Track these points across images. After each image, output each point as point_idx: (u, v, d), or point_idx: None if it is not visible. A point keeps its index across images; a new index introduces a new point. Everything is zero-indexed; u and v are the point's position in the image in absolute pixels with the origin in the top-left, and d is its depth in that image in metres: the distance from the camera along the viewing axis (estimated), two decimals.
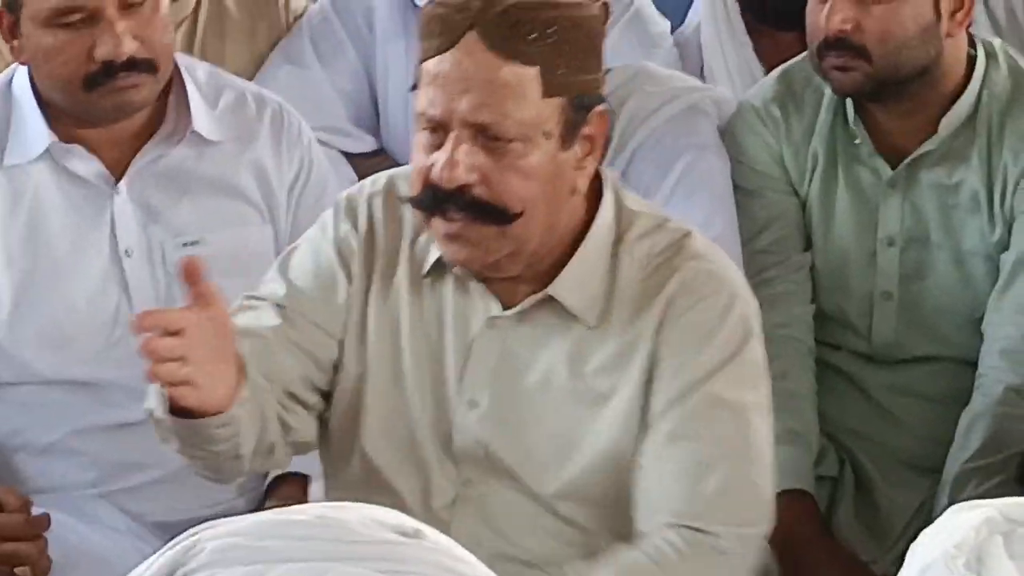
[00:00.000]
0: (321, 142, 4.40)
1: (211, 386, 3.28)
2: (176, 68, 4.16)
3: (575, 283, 3.57)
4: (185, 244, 4.12)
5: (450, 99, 3.42)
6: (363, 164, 4.59)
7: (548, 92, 3.44)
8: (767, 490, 3.58)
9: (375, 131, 4.81)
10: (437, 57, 3.43)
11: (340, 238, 3.66)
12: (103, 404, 4.08)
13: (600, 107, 3.54)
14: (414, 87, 3.50)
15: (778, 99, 4.44)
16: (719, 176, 4.40)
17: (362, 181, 3.77)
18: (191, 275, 3.31)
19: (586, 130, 3.51)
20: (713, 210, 4.32)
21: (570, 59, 3.47)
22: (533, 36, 3.43)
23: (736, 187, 4.40)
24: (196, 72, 4.23)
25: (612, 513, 3.60)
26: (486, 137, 3.43)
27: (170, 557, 1.79)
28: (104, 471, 4.09)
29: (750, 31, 4.83)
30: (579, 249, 3.58)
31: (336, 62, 4.78)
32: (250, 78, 4.54)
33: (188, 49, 4.56)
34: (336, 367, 3.66)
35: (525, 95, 3.43)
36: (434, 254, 3.61)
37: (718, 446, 3.51)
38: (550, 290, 3.56)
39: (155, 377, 3.27)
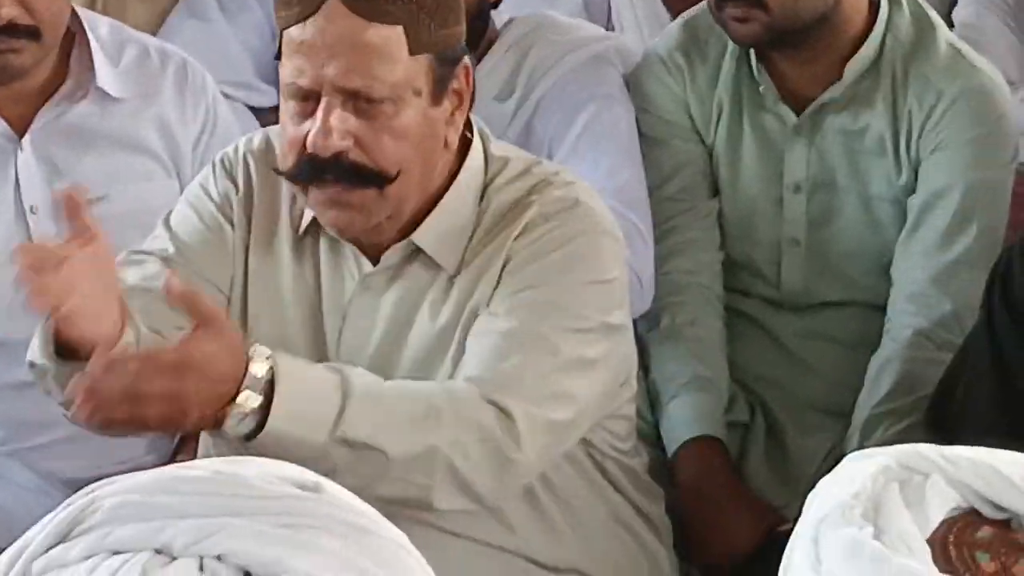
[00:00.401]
0: (226, 96, 4.42)
1: (96, 321, 3.25)
2: (79, 25, 4.16)
3: (438, 231, 3.59)
4: (90, 200, 4.04)
5: (318, 66, 3.42)
6: (268, 118, 4.57)
7: (414, 50, 3.45)
8: (567, 388, 3.53)
9: (276, 80, 4.79)
10: (299, 24, 3.43)
11: (221, 195, 3.67)
12: (11, 362, 4.04)
13: (465, 59, 3.55)
14: (278, 56, 3.50)
15: (683, 47, 4.45)
16: (624, 126, 4.41)
17: (238, 140, 3.77)
18: (72, 209, 3.30)
19: (454, 84, 3.53)
20: (619, 160, 4.33)
21: (433, 14, 3.48)
22: None
23: (642, 136, 4.41)
24: (99, 28, 4.21)
25: None
26: (357, 101, 3.44)
27: (67, 515, 1.78)
28: (12, 430, 4.12)
29: None
30: (443, 198, 3.60)
31: (241, 16, 4.81)
32: (153, 33, 4.54)
33: (90, 5, 4.56)
34: None
35: (392, 55, 3.44)
36: (309, 214, 3.62)
37: (529, 335, 3.50)
38: (413, 238, 3.58)
39: (39, 303, 3.25)
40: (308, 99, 3.44)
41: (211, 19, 4.78)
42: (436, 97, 3.50)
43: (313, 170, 3.45)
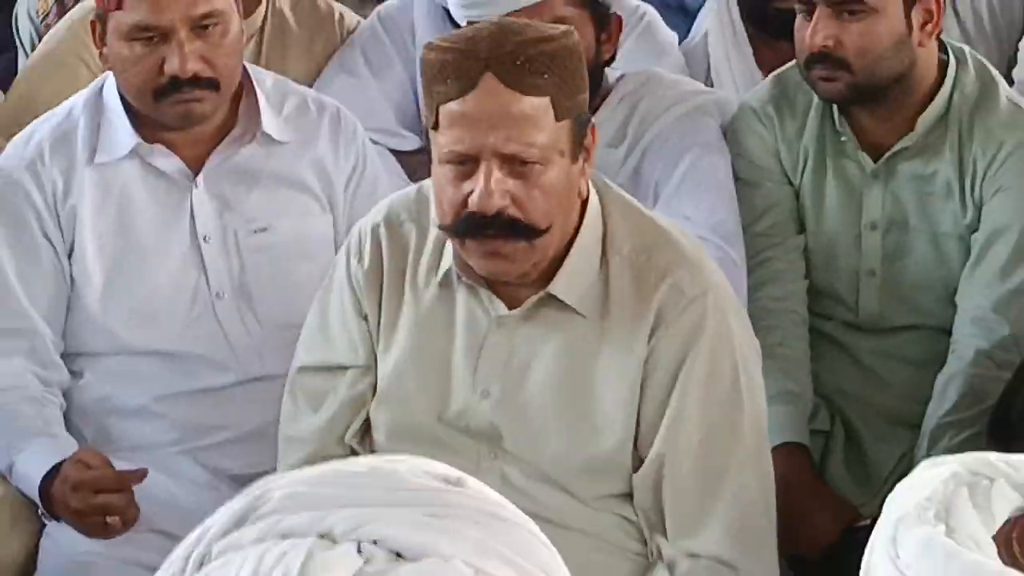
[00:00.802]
0: (373, 141, 4.39)
1: None
2: (247, 77, 4.16)
3: (572, 280, 3.57)
4: (255, 231, 4.14)
5: (479, 135, 3.41)
6: (409, 160, 4.58)
7: (559, 117, 3.45)
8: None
9: (418, 131, 4.72)
10: (457, 100, 3.41)
11: (352, 275, 3.70)
12: (184, 373, 4.08)
13: (592, 119, 3.57)
14: (436, 125, 3.48)
15: (773, 101, 4.41)
16: (721, 170, 4.37)
17: (371, 212, 3.79)
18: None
19: (585, 142, 3.52)
20: (717, 200, 4.31)
21: (571, 84, 3.48)
22: (545, 70, 3.43)
23: (737, 179, 4.38)
24: (264, 81, 4.22)
25: (618, 495, 3.63)
26: (513, 164, 3.43)
27: (243, 504, 1.79)
28: (186, 431, 4.08)
29: (751, 40, 4.81)
30: (572, 249, 3.57)
31: (384, 72, 4.73)
32: (310, 86, 4.52)
33: (255, 60, 4.53)
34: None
35: (542, 123, 3.43)
36: (446, 265, 3.62)
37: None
38: (551, 288, 3.57)
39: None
40: (466, 163, 3.43)
41: (360, 74, 4.71)
42: (574, 155, 3.49)
43: (475, 226, 3.44)
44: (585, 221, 3.58)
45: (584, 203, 3.59)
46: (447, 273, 3.62)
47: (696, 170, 4.34)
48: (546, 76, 3.42)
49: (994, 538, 1.86)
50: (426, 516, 1.76)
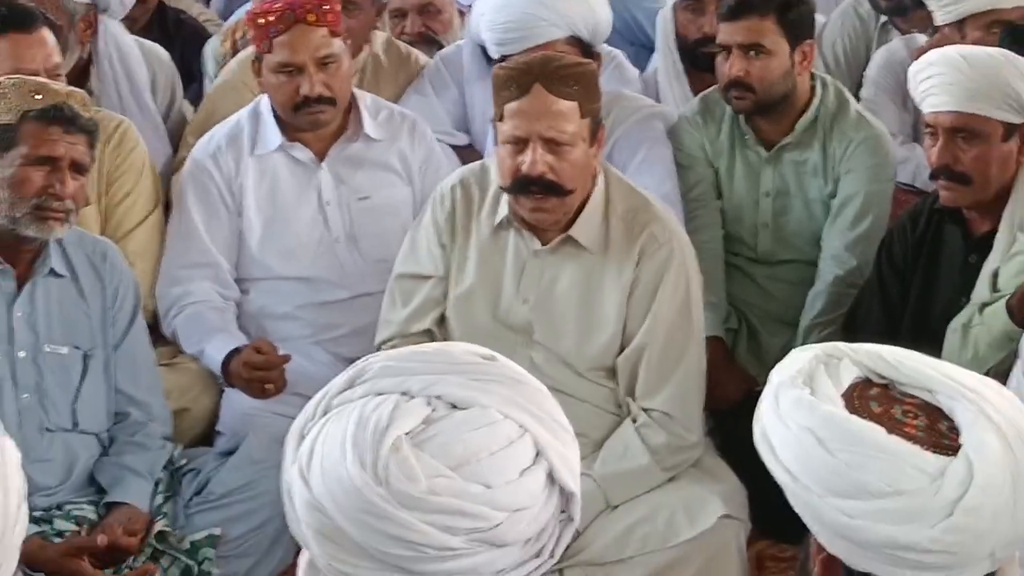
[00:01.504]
0: (438, 139, 4.35)
1: None
2: (354, 97, 4.13)
3: (584, 227, 3.56)
4: (360, 199, 4.10)
5: (530, 124, 3.41)
6: (461, 152, 4.52)
7: (583, 115, 3.44)
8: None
9: (467, 132, 4.68)
10: (516, 101, 3.42)
11: (436, 216, 3.67)
12: (315, 290, 4.07)
13: (602, 123, 3.55)
14: (500, 118, 3.47)
15: (700, 112, 4.34)
16: (667, 156, 4.31)
17: (449, 177, 3.77)
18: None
19: (599, 136, 3.51)
20: (664, 176, 4.26)
21: (591, 95, 3.47)
22: (574, 84, 3.43)
23: (677, 164, 4.32)
24: (365, 99, 4.18)
25: (606, 371, 3.60)
26: (552, 144, 3.41)
27: (351, 373, 1.85)
28: (316, 329, 4.06)
29: (687, 73, 4.71)
30: (585, 206, 3.56)
31: (444, 93, 4.63)
32: (395, 102, 4.46)
33: (360, 85, 4.46)
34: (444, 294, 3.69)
35: (571, 118, 3.43)
36: (501, 215, 3.60)
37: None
38: (571, 232, 3.56)
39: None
40: (519, 143, 3.43)
41: (428, 95, 4.64)
42: (591, 142, 3.48)
43: (525, 185, 3.45)
44: (595, 191, 3.56)
45: (594, 177, 3.58)
46: (503, 220, 3.60)
47: (650, 156, 4.28)
48: (575, 87, 3.42)
49: (842, 395, 1.86)
50: (471, 380, 1.80)
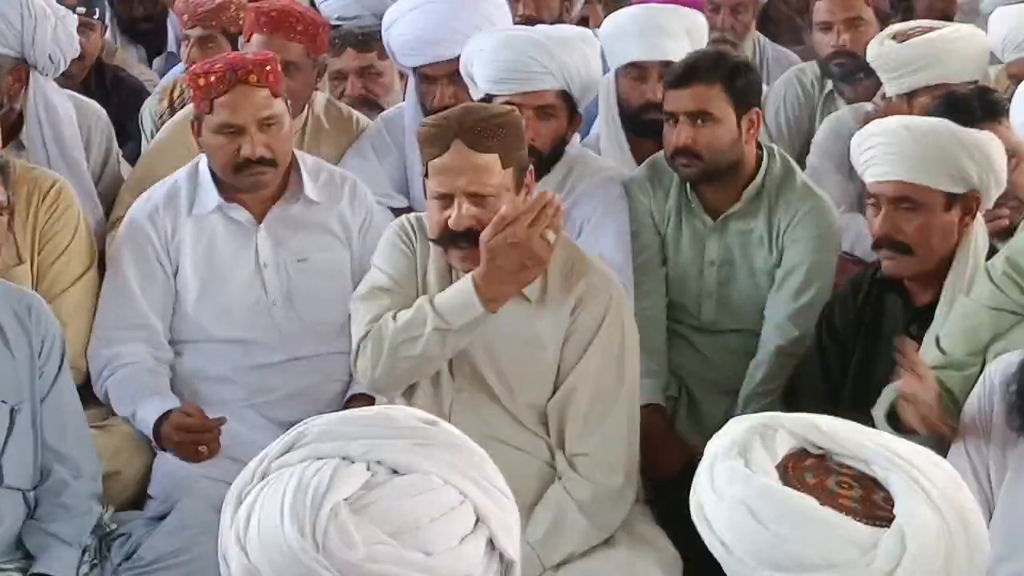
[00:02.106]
0: (378, 201, 4.37)
1: None
2: (294, 158, 4.14)
3: None
4: (298, 260, 4.11)
5: (452, 180, 3.43)
6: (400, 214, 4.55)
7: (505, 166, 3.45)
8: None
9: (407, 195, 4.70)
10: (438, 158, 3.44)
11: (402, 235, 3.66)
12: (249, 352, 4.07)
13: (529, 166, 3.57)
14: (426, 174, 3.49)
15: (648, 178, 4.37)
16: (624, 224, 4.32)
17: (400, 218, 3.74)
18: None
19: (527, 181, 3.54)
20: (618, 245, 4.28)
21: (512, 144, 3.48)
22: (493, 137, 3.44)
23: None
24: (306, 160, 4.20)
25: (541, 418, 3.61)
26: (476, 198, 3.43)
27: (291, 436, 1.84)
28: (251, 392, 4.06)
29: (627, 138, 4.75)
30: None
31: (385, 156, 4.68)
32: (336, 164, 4.48)
33: (300, 146, 4.54)
34: None
35: (493, 171, 3.44)
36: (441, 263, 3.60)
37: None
38: None
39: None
40: (445, 199, 3.44)
41: (368, 157, 4.68)
42: (517, 190, 3.50)
43: (452, 238, 3.47)
44: None
45: None
46: (444, 269, 3.60)
47: (607, 219, 4.29)
48: (494, 141, 3.44)
49: (777, 467, 1.88)
50: (413, 444, 1.81)
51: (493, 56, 4.26)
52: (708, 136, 4.18)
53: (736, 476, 1.85)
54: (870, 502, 1.85)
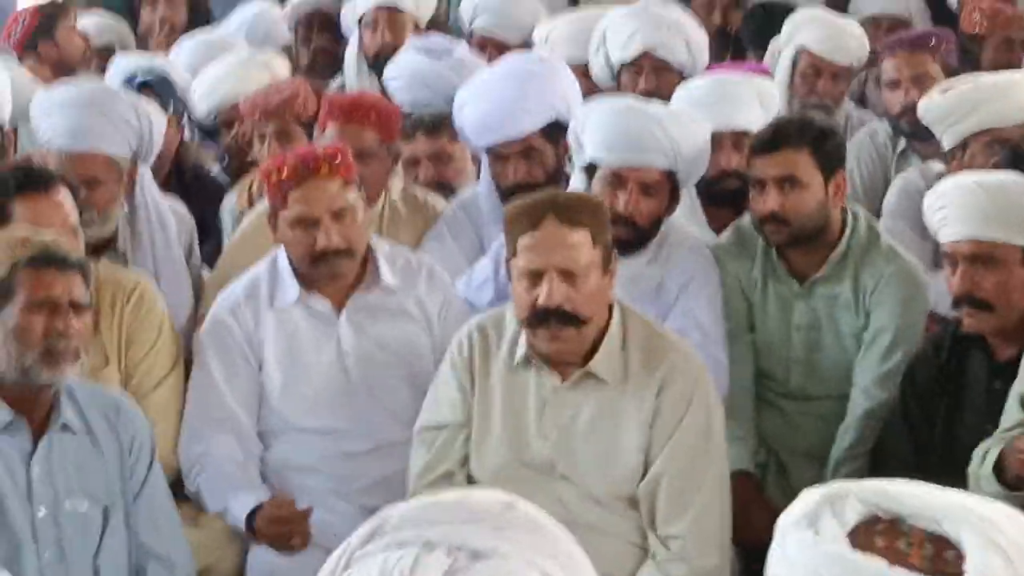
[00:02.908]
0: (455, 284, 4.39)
1: None
2: (370, 246, 4.19)
3: (603, 361, 3.62)
4: (380, 347, 4.14)
5: (544, 256, 3.50)
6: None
7: (595, 244, 3.53)
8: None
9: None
10: (528, 234, 3.51)
11: (455, 364, 3.75)
12: (336, 441, 4.10)
13: (615, 252, 3.63)
14: (514, 254, 3.55)
15: (735, 243, 4.41)
16: (717, 293, 4.35)
17: (466, 325, 3.85)
18: None
19: (611, 266, 3.59)
20: (712, 308, 4.30)
21: (601, 224, 3.57)
22: (584, 214, 3.52)
23: None
24: (383, 248, 4.24)
25: (628, 500, 3.64)
26: (566, 275, 3.50)
27: (372, 525, 1.80)
28: (339, 480, 4.09)
29: (704, 209, 4.75)
30: (603, 341, 3.62)
31: (461, 239, 4.72)
32: (414, 249, 4.56)
33: (377, 233, 4.56)
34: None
35: (584, 248, 3.53)
36: (519, 354, 3.66)
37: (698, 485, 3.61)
38: (590, 366, 3.62)
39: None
40: (534, 276, 3.50)
41: (445, 240, 4.70)
42: (605, 271, 3.56)
43: (542, 318, 3.53)
44: (612, 323, 3.63)
45: (610, 308, 3.65)
46: (521, 359, 3.67)
47: (700, 286, 4.32)
48: (585, 217, 3.52)
49: (848, 535, 1.86)
50: (492, 529, 1.79)
51: (609, 122, 4.30)
52: (796, 201, 4.21)
53: (806, 545, 1.86)
54: (941, 559, 1.83)
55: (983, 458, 3.44)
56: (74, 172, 4.17)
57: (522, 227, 3.54)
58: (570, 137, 4.45)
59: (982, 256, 3.72)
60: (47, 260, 3.40)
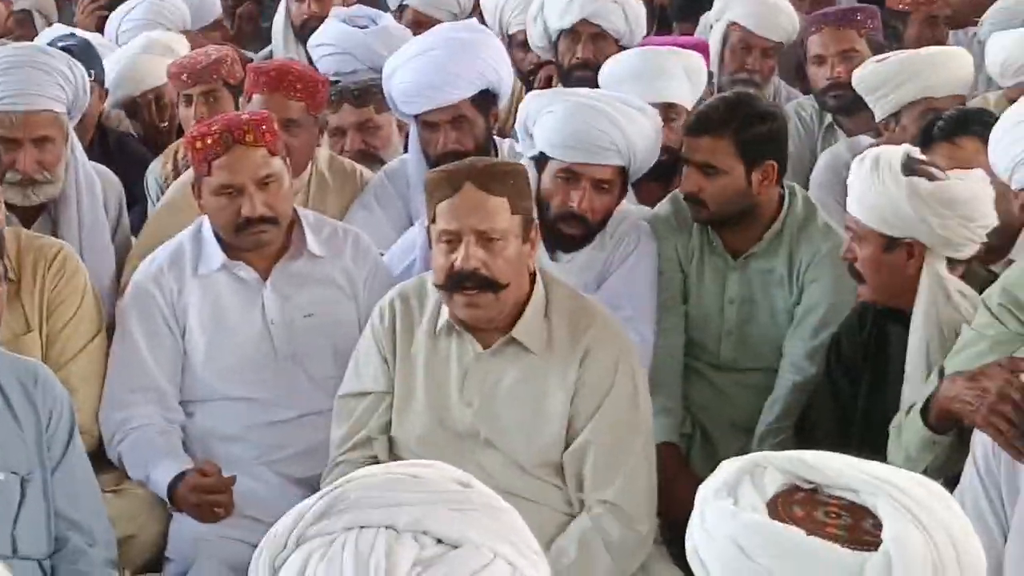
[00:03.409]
0: (382, 253, 4.41)
1: None
2: (296, 214, 4.19)
3: (527, 328, 3.64)
4: (305, 316, 4.15)
5: (462, 220, 3.51)
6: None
7: (514, 212, 3.54)
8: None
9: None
10: (448, 200, 3.52)
11: (376, 332, 3.76)
12: (261, 410, 4.11)
13: (535, 220, 3.64)
14: (433, 219, 3.57)
15: (673, 214, 4.43)
16: (654, 261, 4.40)
17: (387, 294, 3.85)
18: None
19: (532, 235, 3.61)
20: (648, 283, 4.35)
21: (521, 192, 3.58)
22: (504, 181, 3.52)
23: None
24: (308, 216, 4.25)
25: (553, 467, 3.66)
26: (484, 239, 3.51)
27: (325, 502, 1.81)
28: (263, 449, 4.09)
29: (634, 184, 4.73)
30: (526, 307, 3.64)
31: (389, 208, 4.76)
32: (339, 219, 4.57)
33: (304, 203, 4.60)
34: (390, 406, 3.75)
35: (503, 214, 3.53)
36: (441, 321, 3.68)
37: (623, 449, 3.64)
38: (513, 333, 3.64)
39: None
40: (452, 240, 3.52)
41: (372, 210, 4.73)
42: (524, 239, 3.57)
43: (458, 282, 3.54)
44: (535, 290, 3.65)
45: (532, 276, 3.66)
46: (443, 326, 3.68)
47: (639, 259, 4.36)
48: (505, 184, 3.53)
49: (767, 504, 1.89)
50: (453, 511, 1.82)
51: (562, 123, 4.27)
52: (713, 186, 4.25)
53: (724, 514, 1.88)
54: (858, 528, 1.86)
55: (896, 432, 3.47)
56: (26, 132, 4.21)
57: (442, 192, 3.55)
58: (518, 126, 4.46)
59: (858, 233, 3.78)
60: None
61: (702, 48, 5.21)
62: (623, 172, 4.31)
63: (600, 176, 4.24)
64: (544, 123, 4.30)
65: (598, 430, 3.62)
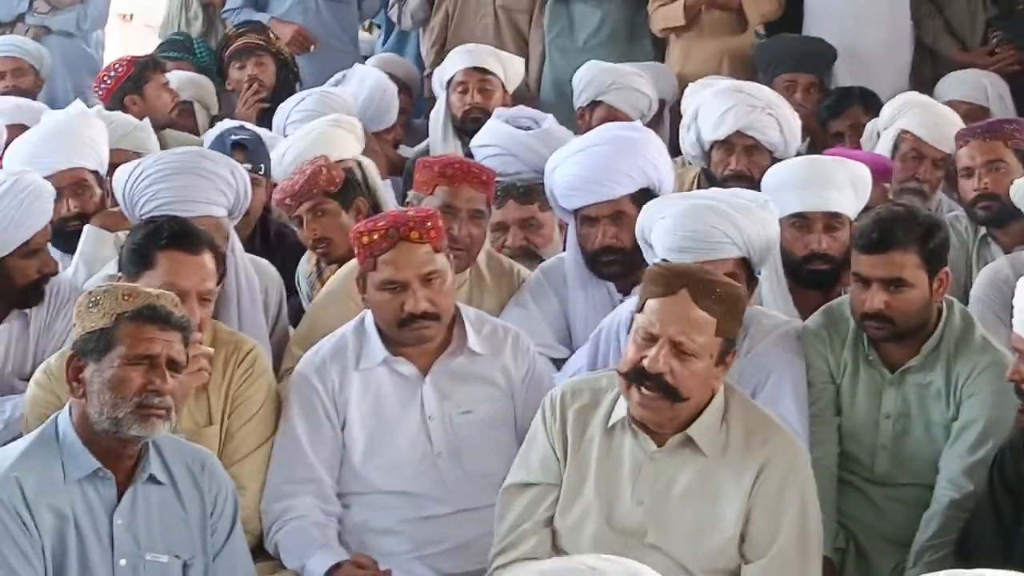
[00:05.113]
0: (539, 352, 4.47)
1: None
2: (457, 311, 4.28)
3: (703, 430, 3.69)
4: (463, 413, 4.21)
5: (665, 325, 3.58)
6: (557, 363, 4.68)
7: (718, 333, 3.61)
8: None
9: (568, 345, 4.79)
10: (660, 299, 3.59)
11: (548, 424, 3.82)
12: (416, 505, 4.18)
13: (734, 347, 3.69)
14: (640, 310, 3.63)
15: (825, 326, 4.43)
16: (800, 380, 4.38)
17: (559, 385, 3.93)
18: None
19: (727, 359, 3.67)
20: (797, 400, 4.32)
21: (731, 316, 3.63)
22: (719, 301, 3.58)
23: None
24: (470, 313, 4.33)
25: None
26: (678, 349, 3.57)
27: None
28: (417, 544, 4.15)
29: (790, 288, 4.79)
30: (704, 411, 3.69)
31: (545, 305, 4.82)
32: (497, 315, 4.64)
33: (466, 300, 4.68)
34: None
35: (706, 331, 3.59)
36: (616, 417, 3.73)
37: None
38: (690, 432, 3.70)
39: None
40: (648, 340, 3.59)
41: (529, 307, 4.80)
42: (719, 362, 3.64)
43: (640, 377, 3.60)
44: (714, 398, 3.69)
45: (713, 392, 3.71)
46: (618, 423, 3.73)
47: (782, 380, 4.35)
48: (719, 305, 3.59)
49: None
50: None
51: (675, 225, 4.33)
52: (903, 302, 4.26)
53: None
54: None
55: None
56: None
57: (656, 290, 3.62)
58: (639, 237, 4.51)
59: None
60: (150, 316, 3.50)
61: (881, 163, 5.23)
62: (745, 264, 4.34)
63: (723, 271, 4.18)
64: (659, 230, 4.36)
65: (773, 544, 3.66)
